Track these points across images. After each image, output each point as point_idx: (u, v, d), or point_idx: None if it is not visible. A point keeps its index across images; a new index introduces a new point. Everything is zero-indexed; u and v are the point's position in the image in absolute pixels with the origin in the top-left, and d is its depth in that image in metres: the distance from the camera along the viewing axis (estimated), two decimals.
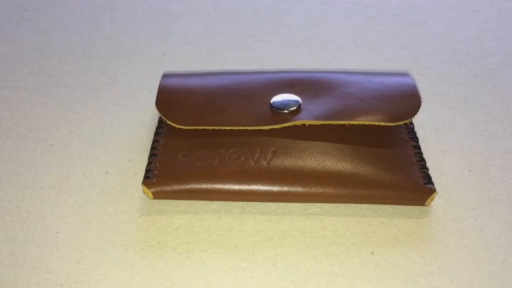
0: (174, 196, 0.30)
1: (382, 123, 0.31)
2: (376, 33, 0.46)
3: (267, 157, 0.30)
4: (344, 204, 0.30)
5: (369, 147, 0.31)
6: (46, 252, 0.28)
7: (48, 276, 0.27)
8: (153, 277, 0.27)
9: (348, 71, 0.36)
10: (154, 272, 0.27)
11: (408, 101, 0.32)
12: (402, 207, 0.30)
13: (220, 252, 0.28)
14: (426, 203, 0.29)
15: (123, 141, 0.35)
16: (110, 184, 0.32)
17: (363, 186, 0.29)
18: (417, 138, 0.32)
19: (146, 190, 0.29)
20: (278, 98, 0.32)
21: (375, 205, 0.30)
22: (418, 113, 0.31)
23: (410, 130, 0.33)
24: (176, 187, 0.29)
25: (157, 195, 0.30)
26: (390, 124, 0.31)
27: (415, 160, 0.30)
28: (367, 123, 0.31)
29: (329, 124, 0.31)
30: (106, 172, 0.32)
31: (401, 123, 0.31)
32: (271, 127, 0.31)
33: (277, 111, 0.32)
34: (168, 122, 0.32)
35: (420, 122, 0.35)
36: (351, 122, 0.31)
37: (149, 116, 0.37)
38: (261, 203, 0.30)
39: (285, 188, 0.29)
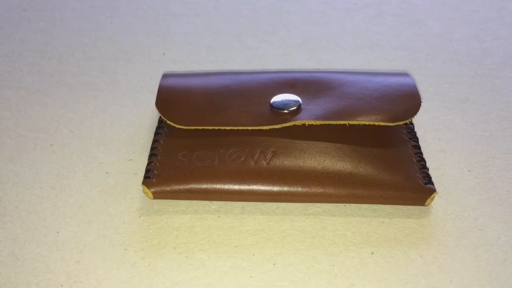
0: (174, 196, 0.30)
1: (382, 123, 0.31)
2: (376, 33, 0.46)
3: (267, 157, 0.30)
4: (344, 204, 0.30)
5: (369, 147, 0.31)
6: (46, 252, 0.28)
7: (48, 276, 0.27)
8: (153, 277, 0.27)
9: (348, 71, 0.36)
10: (154, 272, 0.27)
11: (408, 101, 0.32)
12: (402, 207, 0.30)
13: (220, 252, 0.28)
14: (426, 203, 0.29)
15: (123, 141, 0.35)
16: (110, 184, 0.32)
17: (363, 186, 0.29)
18: (417, 138, 0.32)
19: (146, 190, 0.29)
20: (278, 98, 0.32)
21: (375, 205, 0.30)
22: (418, 113, 0.31)
23: (410, 130, 0.33)
24: (176, 187, 0.29)
25: (157, 195, 0.30)
26: (390, 124, 0.31)
27: (415, 160, 0.30)
28: (367, 123, 0.31)
29: (329, 124, 0.31)
30: (106, 172, 0.32)
31: (401, 123, 0.31)
32: (271, 127, 0.31)
33: (277, 111, 0.32)
34: (168, 122, 0.32)
35: (420, 122, 0.35)
36: (351, 122, 0.31)
37: (149, 116, 0.37)
38: (261, 203, 0.30)
39: (285, 188, 0.29)
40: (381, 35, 0.46)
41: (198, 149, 0.31)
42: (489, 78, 0.40)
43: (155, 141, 0.32)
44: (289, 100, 0.32)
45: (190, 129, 0.32)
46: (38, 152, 0.34)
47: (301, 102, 0.32)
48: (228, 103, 0.32)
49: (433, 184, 0.29)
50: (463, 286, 0.26)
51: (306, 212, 0.30)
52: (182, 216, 0.30)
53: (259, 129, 0.31)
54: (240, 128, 0.31)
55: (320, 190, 0.29)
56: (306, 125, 0.31)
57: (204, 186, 0.29)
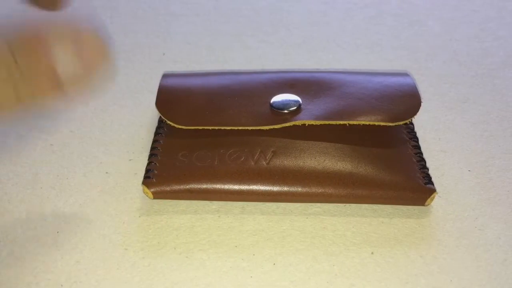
0: (174, 196, 0.30)
1: (382, 123, 0.31)
2: (376, 33, 0.46)
3: (267, 157, 0.30)
4: (344, 204, 0.30)
5: (369, 147, 0.31)
6: (46, 252, 0.28)
7: (48, 276, 0.27)
8: (153, 277, 0.27)
9: (348, 71, 0.36)
10: (154, 272, 0.27)
11: (408, 101, 0.32)
12: (402, 207, 0.30)
13: (220, 252, 0.28)
14: (426, 203, 0.29)
15: (123, 141, 0.35)
16: (110, 184, 0.32)
17: (363, 186, 0.29)
18: (417, 138, 0.32)
19: (146, 190, 0.29)
20: (278, 98, 0.32)
21: (375, 205, 0.30)
22: (418, 113, 0.31)
23: (410, 130, 0.33)
24: (176, 187, 0.29)
25: (157, 195, 0.30)
26: (390, 124, 0.31)
27: (415, 160, 0.30)
28: (367, 123, 0.31)
29: (329, 124, 0.31)
30: (106, 172, 0.32)
31: (401, 123, 0.31)
32: (271, 127, 0.31)
33: (277, 111, 0.32)
34: (168, 122, 0.32)
35: (420, 122, 0.35)
36: (351, 122, 0.31)
37: (149, 116, 0.37)
38: (261, 203, 0.30)
39: (285, 188, 0.29)
40: (381, 35, 0.46)
41: (198, 149, 0.31)
42: (489, 78, 0.40)
43: (155, 141, 0.32)
44: (289, 100, 0.32)
45: (190, 129, 0.32)
46: (38, 152, 0.34)
47: (301, 102, 0.32)
48: (228, 103, 0.32)
49: (433, 184, 0.29)
50: (463, 286, 0.26)
51: (306, 212, 0.30)
52: (182, 216, 0.30)
53: (259, 129, 0.31)
54: (240, 128, 0.31)
55: (320, 190, 0.29)
56: (306, 125, 0.31)
57: (204, 186, 0.29)
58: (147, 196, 0.30)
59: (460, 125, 0.36)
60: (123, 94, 0.39)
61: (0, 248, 0.28)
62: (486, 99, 0.38)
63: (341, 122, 0.31)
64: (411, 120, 0.31)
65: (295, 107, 0.31)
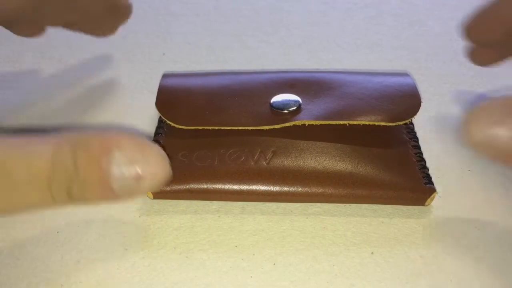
0: (174, 196, 0.30)
1: (382, 123, 0.31)
2: (376, 33, 0.46)
3: (267, 157, 0.30)
4: (344, 204, 0.30)
5: (369, 147, 0.31)
6: (46, 252, 0.28)
7: (48, 276, 0.27)
8: (153, 277, 0.27)
9: (348, 71, 0.36)
10: (154, 272, 0.27)
11: (408, 101, 0.32)
12: (402, 207, 0.30)
13: (220, 252, 0.28)
14: (426, 203, 0.29)
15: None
16: None
17: (363, 186, 0.29)
18: (417, 138, 0.32)
19: None
20: (278, 98, 0.32)
21: (375, 205, 0.30)
22: (418, 113, 0.31)
23: (410, 130, 0.33)
24: (176, 187, 0.29)
25: (157, 195, 0.30)
26: (390, 124, 0.31)
27: (415, 160, 0.30)
28: (367, 123, 0.31)
29: (329, 124, 0.31)
30: None
31: (401, 123, 0.31)
32: (271, 127, 0.31)
33: (277, 111, 0.32)
34: (168, 122, 0.32)
35: (420, 122, 0.35)
36: (351, 122, 0.31)
37: (149, 116, 0.37)
38: (261, 203, 0.30)
39: (285, 188, 0.29)
40: (381, 35, 0.46)
41: (198, 149, 0.31)
42: (489, 78, 0.40)
43: (155, 141, 0.32)
44: (289, 100, 0.32)
45: (190, 129, 0.32)
46: None
47: (301, 102, 0.32)
48: (228, 103, 0.32)
49: (433, 184, 0.29)
50: (463, 286, 0.26)
51: (306, 212, 0.30)
52: (182, 216, 0.30)
53: (259, 129, 0.31)
54: (240, 128, 0.31)
55: (320, 190, 0.29)
56: (306, 125, 0.31)
57: (204, 186, 0.29)
58: (147, 196, 0.30)
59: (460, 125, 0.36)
60: (123, 94, 0.39)
61: (0, 248, 0.28)
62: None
63: (341, 122, 0.31)
64: (411, 120, 0.31)
65: (295, 107, 0.31)
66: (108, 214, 0.30)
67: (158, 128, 0.33)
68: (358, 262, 0.27)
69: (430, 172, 0.31)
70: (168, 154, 0.31)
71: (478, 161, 0.33)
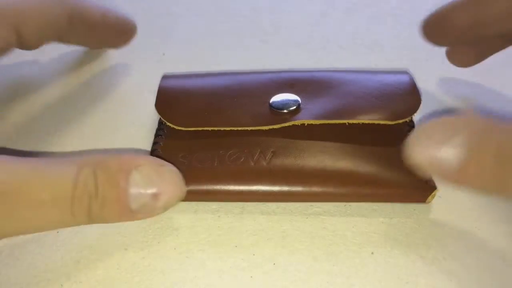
0: None
1: (382, 122, 0.31)
2: (376, 33, 0.46)
3: (267, 157, 0.30)
4: (344, 204, 0.30)
5: (369, 146, 0.31)
6: (46, 252, 0.28)
7: (48, 276, 0.27)
8: (153, 277, 0.27)
9: (347, 70, 0.36)
10: (154, 272, 0.27)
11: (408, 99, 0.32)
12: (402, 207, 0.30)
13: (220, 252, 0.28)
14: (427, 201, 0.29)
15: (123, 142, 0.35)
16: None
17: (364, 184, 0.29)
18: None
19: None
20: (277, 98, 0.32)
21: (375, 205, 0.30)
22: (418, 113, 0.31)
23: (410, 128, 0.33)
24: None
25: None
26: (390, 122, 0.31)
27: None
28: (367, 121, 0.31)
29: (328, 123, 0.31)
30: None
31: (401, 121, 0.31)
32: (271, 127, 0.31)
33: (277, 111, 0.32)
34: (168, 123, 0.32)
35: (420, 122, 0.35)
36: (351, 121, 0.31)
37: (149, 116, 0.37)
38: (261, 203, 0.30)
39: (285, 188, 0.29)
40: (381, 35, 0.45)
41: (197, 151, 0.31)
42: (489, 78, 0.40)
43: (155, 142, 0.32)
44: (289, 100, 0.32)
45: (189, 130, 0.32)
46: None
47: (300, 101, 0.32)
48: (228, 104, 0.32)
49: (433, 182, 0.29)
50: (463, 286, 0.26)
51: (306, 212, 0.30)
52: (182, 216, 0.30)
53: (259, 129, 0.31)
54: (239, 128, 0.31)
55: (320, 189, 0.29)
56: (306, 124, 0.31)
57: (204, 187, 0.29)
58: None
59: None
60: (123, 94, 0.39)
61: (0, 248, 0.28)
62: (486, 99, 0.38)
63: (341, 121, 0.31)
64: (411, 118, 0.31)
65: (294, 107, 0.31)
66: None
67: (158, 129, 0.33)
68: (358, 262, 0.27)
69: None
70: (168, 156, 0.31)
71: None
